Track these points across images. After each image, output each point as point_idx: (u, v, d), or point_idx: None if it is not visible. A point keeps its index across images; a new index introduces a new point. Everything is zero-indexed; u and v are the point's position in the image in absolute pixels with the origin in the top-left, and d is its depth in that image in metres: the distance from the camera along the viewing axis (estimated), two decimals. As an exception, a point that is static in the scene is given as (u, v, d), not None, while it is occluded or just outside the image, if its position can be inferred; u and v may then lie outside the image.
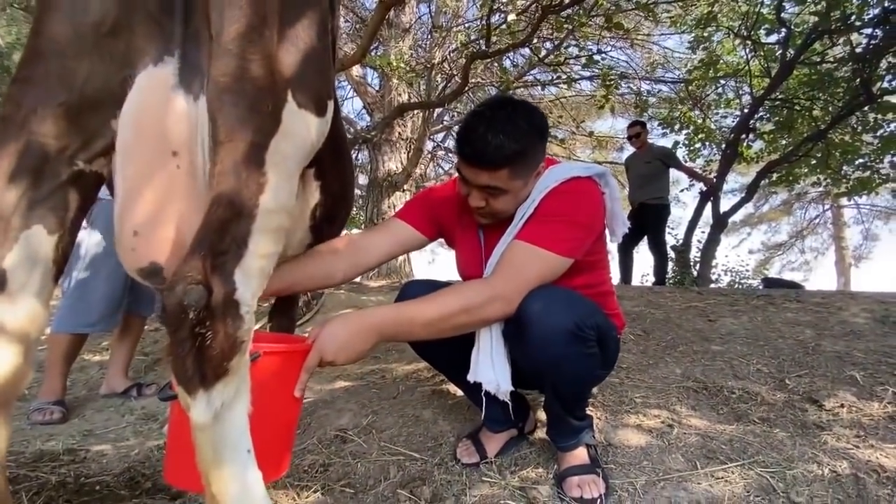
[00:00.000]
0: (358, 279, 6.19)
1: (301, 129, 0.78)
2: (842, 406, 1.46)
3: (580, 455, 1.17)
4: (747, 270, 6.05)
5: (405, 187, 6.09)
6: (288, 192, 0.77)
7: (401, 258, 6.48)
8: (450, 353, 1.25)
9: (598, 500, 1.05)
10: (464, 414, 1.59)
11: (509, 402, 1.17)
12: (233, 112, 0.68)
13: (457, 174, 1.17)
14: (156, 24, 0.71)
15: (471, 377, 1.15)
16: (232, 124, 0.68)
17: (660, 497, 1.09)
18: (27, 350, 0.73)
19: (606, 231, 1.23)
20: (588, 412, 1.26)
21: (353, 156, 7.79)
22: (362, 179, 8.10)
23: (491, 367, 1.12)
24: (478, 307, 1.02)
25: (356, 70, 6.39)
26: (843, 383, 1.64)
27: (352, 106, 10.88)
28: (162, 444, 1.53)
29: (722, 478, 1.14)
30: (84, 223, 1.94)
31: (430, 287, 1.17)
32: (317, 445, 1.46)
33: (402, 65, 4.71)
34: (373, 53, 5.82)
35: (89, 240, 1.94)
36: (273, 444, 0.91)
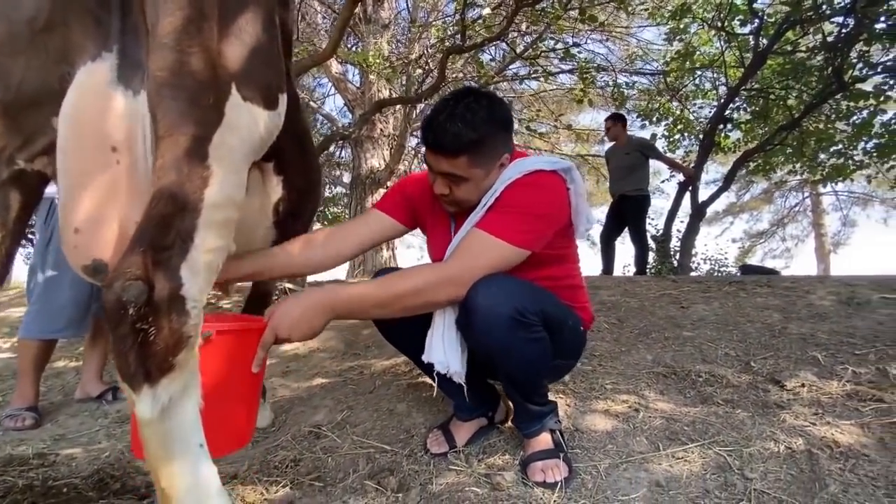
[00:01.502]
0: (342, 275, 6.18)
1: (247, 121, 0.78)
2: (802, 386, 1.50)
3: (544, 440, 1.19)
4: (726, 259, 6.16)
5: (388, 184, 6.07)
6: (235, 185, 0.77)
7: (386, 254, 6.48)
8: (414, 338, 1.26)
9: (560, 484, 1.07)
10: (437, 406, 1.60)
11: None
12: (173, 106, 0.68)
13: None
14: (93, 19, 0.70)
15: (425, 358, 1.18)
16: (172, 119, 0.68)
17: (621, 478, 1.11)
18: None
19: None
20: (555, 398, 1.28)
21: (336, 153, 7.75)
22: (346, 178, 8.06)
23: (442, 349, 1.14)
24: (428, 289, 1.04)
25: (336, 67, 6.34)
26: (805, 364, 1.69)
27: (333, 103, 10.79)
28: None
29: (682, 458, 1.17)
30: (43, 223, 1.92)
31: None
32: (290, 442, 1.46)
33: (380, 60, 4.69)
34: (351, 49, 5.78)
35: (53, 242, 1.91)
36: (233, 419, 0.93)
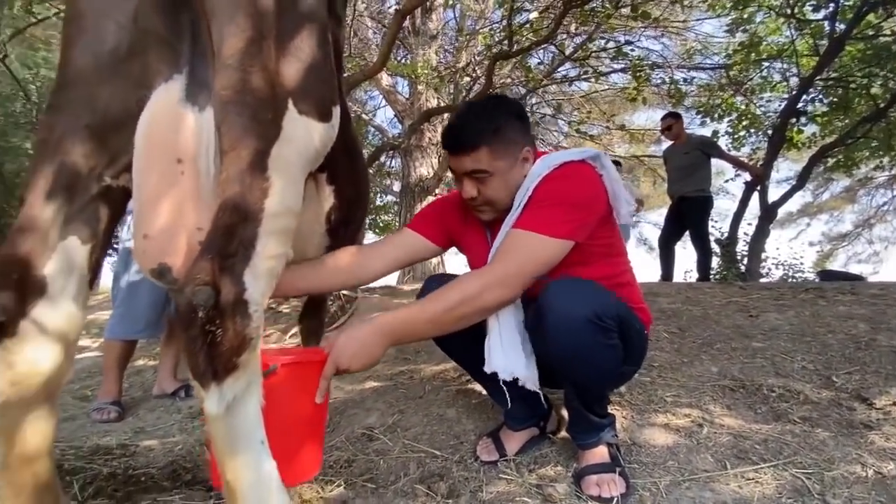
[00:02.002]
0: (393, 283, 6.30)
1: (303, 134, 0.82)
2: (894, 404, 1.35)
3: (600, 453, 1.14)
4: (802, 264, 5.64)
5: (436, 191, 6.14)
6: (293, 196, 0.82)
7: (434, 261, 6.54)
8: (469, 348, 1.26)
9: (616, 500, 1.03)
10: (487, 413, 1.59)
11: (538, 394, 1.17)
12: (236, 122, 0.73)
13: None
14: (167, 45, 0.77)
15: (486, 368, 1.16)
16: (236, 134, 0.73)
17: (684, 497, 1.05)
18: (67, 348, 0.81)
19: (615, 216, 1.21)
20: (611, 410, 1.23)
21: (386, 163, 7.95)
22: (396, 186, 8.25)
23: (501, 354, 1.13)
24: (476, 296, 1.04)
25: (386, 79, 6.53)
26: (898, 380, 1.52)
27: (384, 115, 11.12)
28: (203, 439, 1.62)
29: (752, 479, 1.08)
30: (126, 234, 2.12)
31: (449, 280, 1.20)
32: (344, 442, 1.51)
33: (427, 71, 4.77)
34: (401, 61, 5.93)
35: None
36: (302, 449, 0.96)
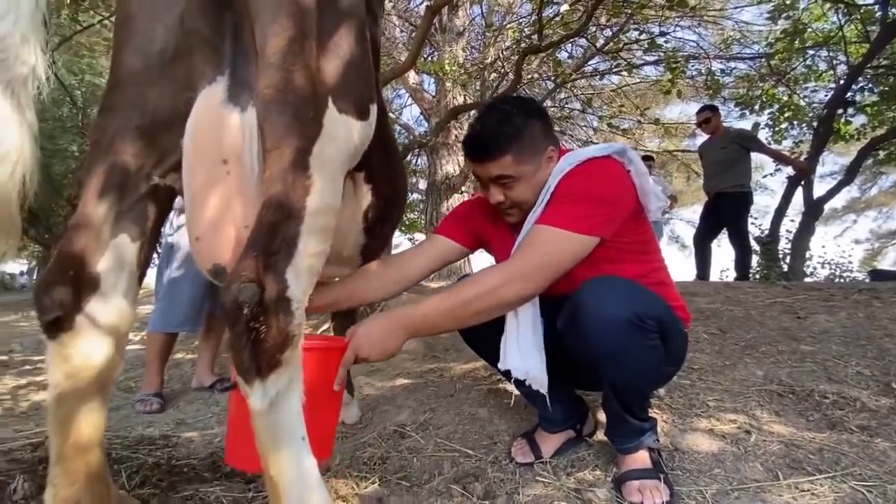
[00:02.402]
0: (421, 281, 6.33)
1: (343, 132, 0.82)
2: (965, 414, 1.25)
3: (641, 458, 1.10)
4: (850, 262, 5.34)
5: (463, 189, 6.12)
6: (333, 194, 0.82)
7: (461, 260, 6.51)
8: (496, 343, 1.24)
9: (661, 507, 0.99)
10: (520, 413, 1.56)
11: (546, 395, 1.15)
12: (279, 121, 0.73)
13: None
14: (211, 47, 0.78)
15: (500, 365, 1.16)
16: (279, 133, 0.74)
17: (733, 507, 1.00)
18: (118, 342, 0.83)
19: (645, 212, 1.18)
20: (652, 414, 1.19)
21: (412, 161, 7.98)
22: (422, 184, 8.27)
23: (518, 354, 1.12)
24: (495, 290, 1.03)
25: (412, 77, 6.54)
26: (968, 388, 1.41)
27: (410, 113, 11.12)
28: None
29: (808, 490, 1.02)
30: (168, 231, 2.20)
31: None
32: (376, 439, 1.51)
33: (455, 68, 4.74)
34: (428, 59, 5.93)
35: (179, 247, 2.17)
36: (314, 434, 0.97)
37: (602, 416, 1.30)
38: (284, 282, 0.73)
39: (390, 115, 7.88)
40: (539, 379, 1.13)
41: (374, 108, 0.93)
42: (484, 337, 1.26)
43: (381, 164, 1.17)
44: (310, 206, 0.75)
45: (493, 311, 1.07)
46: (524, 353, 1.13)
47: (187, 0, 0.76)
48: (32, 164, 0.68)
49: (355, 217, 1.17)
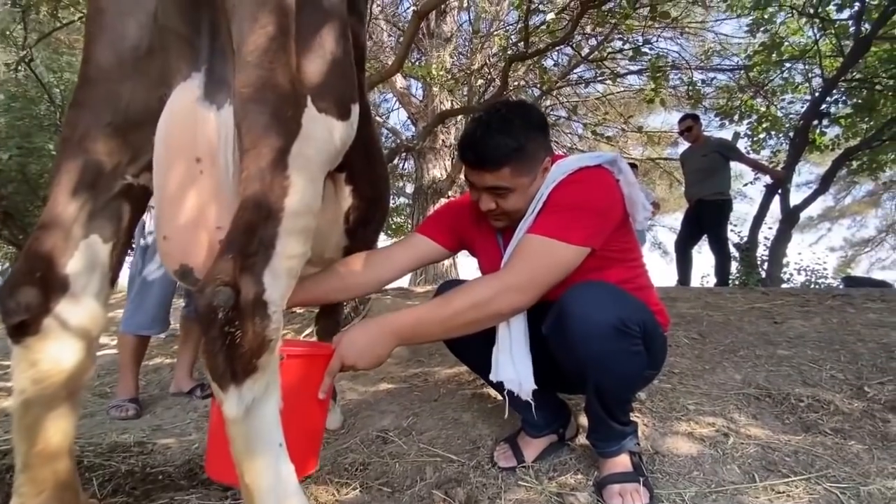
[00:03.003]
0: (405, 285, 6.31)
1: (323, 132, 0.81)
2: (933, 417, 1.29)
3: (622, 462, 1.11)
4: (824, 269, 5.50)
5: (449, 193, 6.13)
6: (312, 194, 0.80)
7: (447, 263, 6.52)
8: (483, 352, 1.24)
9: (641, 510, 0.99)
10: (502, 418, 1.55)
11: (559, 400, 1.15)
12: (257, 120, 0.72)
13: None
14: (186, 43, 0.77)
15: (492, 377, 1.15)
16: (256, 132, 0.72)
17: (711, 510, 1.01)
18: (89, 346, 0.81)
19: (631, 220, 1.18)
20: (633, 418, 1.20)
21: (400, 165, 7.97)
22: (409, 188, 8.27)
23: (511, 365, 1.11)
24: (487, 301, 1.02)
25: (400, 81, 6.55)
26: (936, 391, 1.45)
27: (397, 117, 11.15)
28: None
29: (783, 492, 1.04)
30: (139, 231, 2.15)
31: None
32: (358, 445, 1.49)
33: (442, 73, 4.76)
34: (415, 63, 5.95)
35: (153, 249, 2.13)
36: (299, 444, 0.94)
37: (584, 420, 1.31)
38: (261, 284, 0.72)
39: (378, 118, 7.88)
40: (526, 388, 1.12)
41: (355, 109, 0.92)
42: (468, 345, 1.25)
43: (363, 166, 1.16)
44: (288, 206, 0.74)
45: (486, 322, 1.06)
46: (518, 364, 1.12)
47: None
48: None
49: (336, 219, 1.15)
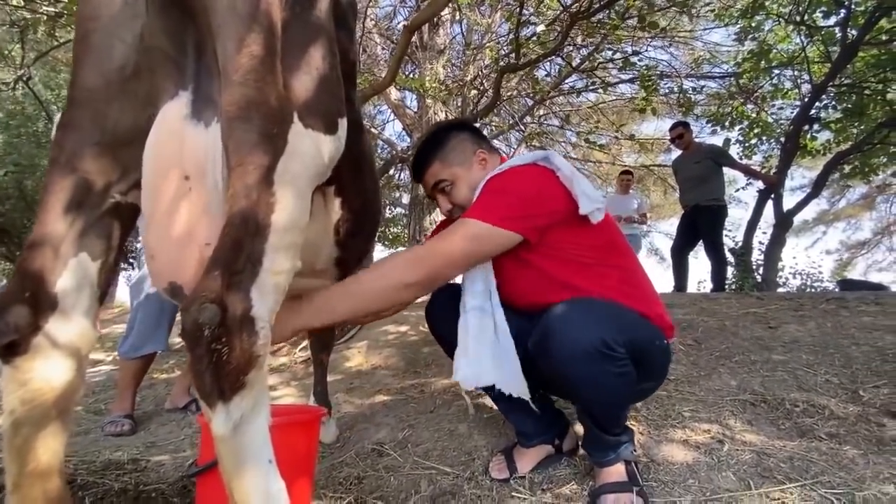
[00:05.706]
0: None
1: (310, 148, 0.82)
2: (927, 420, 1.29)
3: (617, 471, 1.10)
4: (820, 273, 5.51)
5: (446, 203, 6.15)
6: (300, 210, 0.81)
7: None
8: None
9: (635, 520, 0.99)
10: (499, 429, 1.55)
11: (555, 410, 1.18)
12: (243, 139, 0.73)
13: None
14: (173, 63, 0.78)
15: (453, 377, 1.15)
16: (243, 150, 0.73)
17: (706, 518, 1.00)
18: (79, 364, 0.80)
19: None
20: (628, 426, 1.19)
21: (395, 176, 8.00)
22: (405, 199, 8.29)
23: (466, 364, 1.12)
24: (393, 271, 1.04)
25: (395, 93, 6.60)
26: (930, 394, 1.45)
27: (392, 128, 11.19)
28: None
29: (779, 499, 1.03)
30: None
31: (456, 291, 1.23)
32: (354, 458, 1.48)
33: (436, 85, 4.81)
34: (409, 75, 6.00)
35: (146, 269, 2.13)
36: None
37: (581, 430, 1.30)
38: (249, 300, 0.72)
39: (373, 130, 7.93)
40: (511, 385, 1.11)
41: (343, 123, 0.93)
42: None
43: (352, 178, 1.16)
44: (275, 222, 0.74)
45: (391, 293, 1.04)
46: (475, 361, 1.12)
47: (147, 17, 0.75)
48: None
49: (326, 231, 1.16)
